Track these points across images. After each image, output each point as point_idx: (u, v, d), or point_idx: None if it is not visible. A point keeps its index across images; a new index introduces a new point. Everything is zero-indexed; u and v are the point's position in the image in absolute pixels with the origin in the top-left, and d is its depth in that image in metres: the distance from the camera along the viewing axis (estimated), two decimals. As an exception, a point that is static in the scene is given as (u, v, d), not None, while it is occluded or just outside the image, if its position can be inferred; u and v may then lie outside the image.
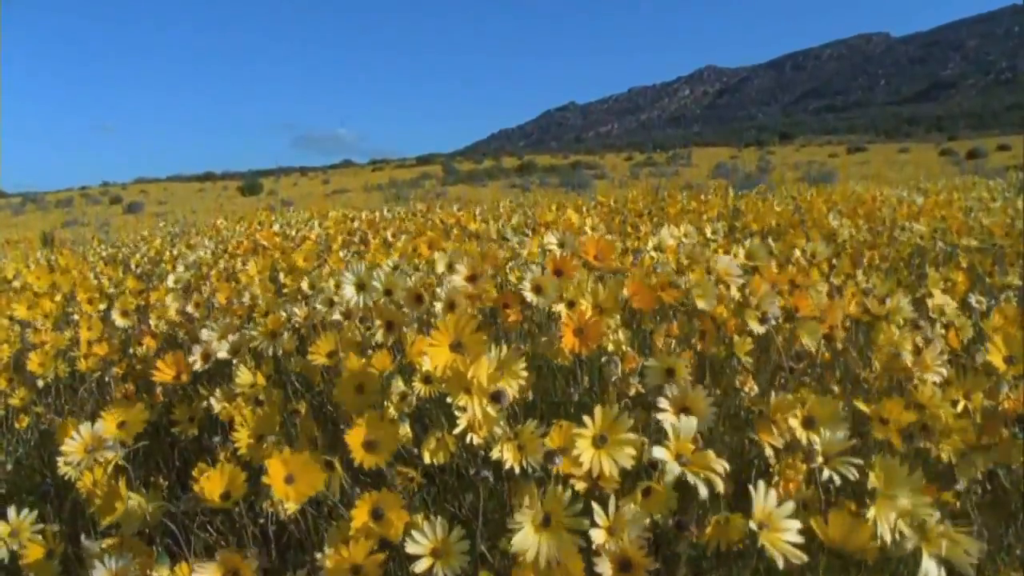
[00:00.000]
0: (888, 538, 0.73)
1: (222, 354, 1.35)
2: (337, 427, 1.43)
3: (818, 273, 2.27)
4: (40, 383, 1.76)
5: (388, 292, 1.27)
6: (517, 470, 0.86)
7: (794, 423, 0.86)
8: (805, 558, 0.73)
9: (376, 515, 0.78)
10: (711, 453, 0.77)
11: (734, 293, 1.26)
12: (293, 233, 3.86)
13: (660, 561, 0.87)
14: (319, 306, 1.38)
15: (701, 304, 1.18)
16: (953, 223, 2.99)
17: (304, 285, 1.89)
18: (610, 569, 0.75)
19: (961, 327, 1.68)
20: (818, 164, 34.66)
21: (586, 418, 0.85)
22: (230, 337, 1.38)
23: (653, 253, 2.25)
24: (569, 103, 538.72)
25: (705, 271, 1.34)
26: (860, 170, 29.68)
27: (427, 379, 1.11)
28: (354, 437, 0.88)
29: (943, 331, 1.52)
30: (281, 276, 2.64)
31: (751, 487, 0.71)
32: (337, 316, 1.39)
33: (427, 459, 0.90)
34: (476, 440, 0.89)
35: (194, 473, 1.17)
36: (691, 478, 0.74)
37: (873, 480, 0.74)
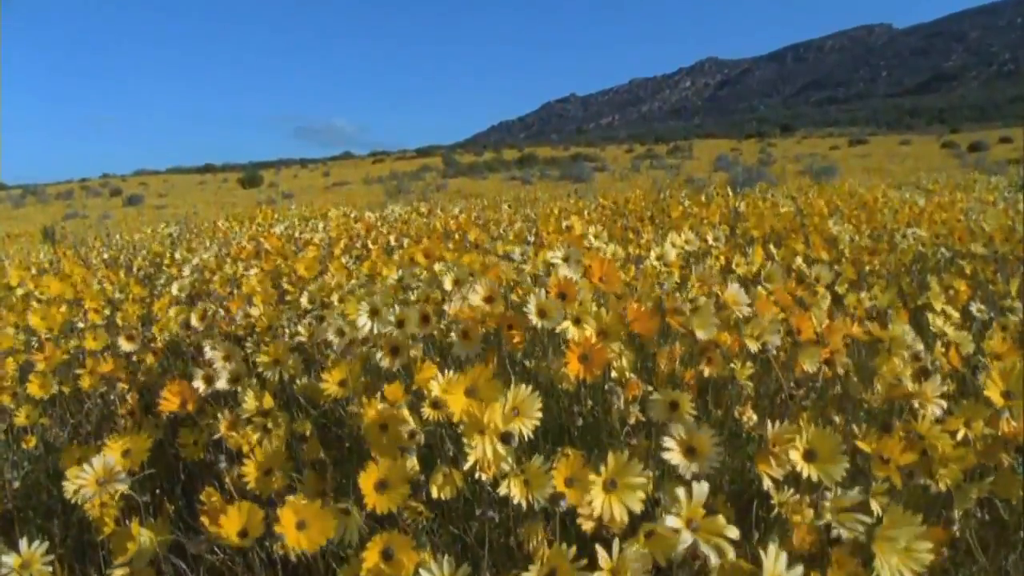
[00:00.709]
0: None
1: (223, 383, 1.35)
2: (342, 445, 1.44)
3: (821, 286, 2.29)
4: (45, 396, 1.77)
5: (400, 324, 1.27)
6: (524, 506, 0.87)
7: (795, 456, 0.87)
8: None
9: (387, 555, 0.79)
10: (721, 519, 0.78)
11: (740, 315, 1.27)
12: (295, 234, 3.86)
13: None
14: (333, 337, 1.38)
15: (700, 334, 1.19)
16: (955, 230, 2.99)
17: (304, 300, 1.89)
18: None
19: (961, 343, 1.69)
20: (819, 157, 34.62)
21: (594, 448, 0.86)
22: (232, 364, 1.38)
23: (655, 262, 2.26)
24: (570, 95, 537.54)
25: (709, 296, 1.34)
26: (861, 163, 29.64)
27: (435, 404, 1.12)
28: (366, 480, 0.89)
29: (944, 350, 1.53)
30: (284, 282, 2.65)
31: (761, 552, 0.72)
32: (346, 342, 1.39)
33: (435, 494, 0.91)
34: (484, 476, 0.90)
35: (201, 497, 1.18)
36: (703, 547, 0.75)
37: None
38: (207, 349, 1.61)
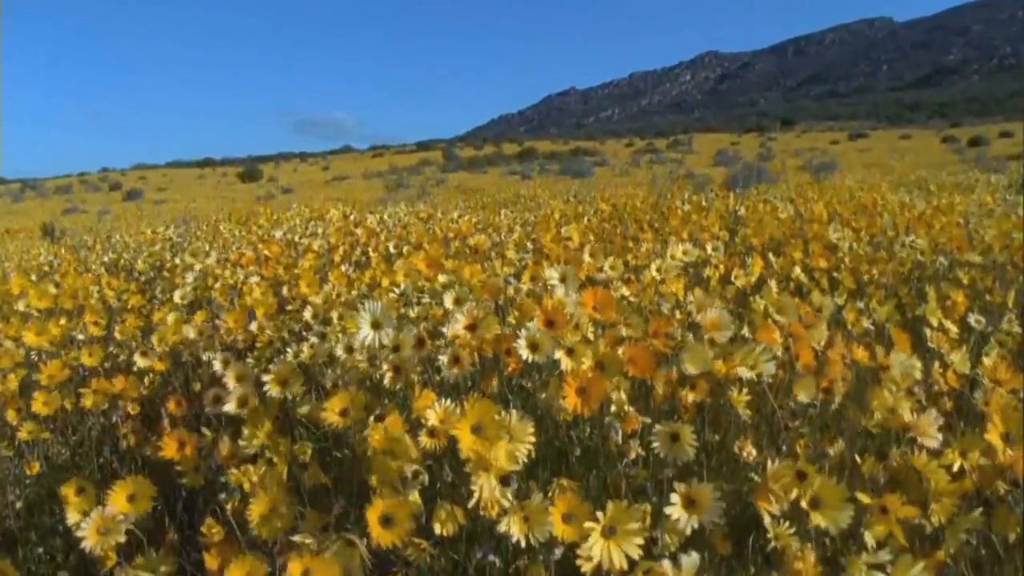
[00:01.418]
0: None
1: (231, 407, 1.36)
2: (343, 469, 1.45)
3: (819, 295, 2.29)
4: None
5: (396, 349, 1.28)
6: (524, 544, 0.88)
7: (803, 504, 0.88)
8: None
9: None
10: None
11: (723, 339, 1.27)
12: (295, 238, 3.87)
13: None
14: (339, 352, 1.39)
15: (691, 370, 1.20)
16: (953, 238, 3.00)
17: (307, 315, 1.90)
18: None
19: (959, 363, 1.70)
20: (819, 151, 34.56)
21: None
22: (239, 390, 1.39)
23: (655, 273, 2.27)
24: (570, 88, 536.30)
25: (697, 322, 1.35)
26: (861, 158, 29.60)
27: (432, 433, 1.13)
28: (373, 514, 0.90)
29: (941, 371, 1.54)
30: (284, 290, 2.65)
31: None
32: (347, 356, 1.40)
33: (438, 530, 0.93)
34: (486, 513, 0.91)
35: (202, 530, 1.19)
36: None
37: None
38: (216, 363, 1.61)
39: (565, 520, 0.92)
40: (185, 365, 2.35)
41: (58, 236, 13.55)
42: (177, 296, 2.53)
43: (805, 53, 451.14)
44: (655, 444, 1.06)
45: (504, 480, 0.89)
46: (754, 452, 1.13)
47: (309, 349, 1.49)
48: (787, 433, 1.19)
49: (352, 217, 5.08)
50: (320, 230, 3.90)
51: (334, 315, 1.80)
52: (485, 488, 0.88)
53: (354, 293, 2.29)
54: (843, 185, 10.86)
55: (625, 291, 1.93)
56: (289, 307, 2.46)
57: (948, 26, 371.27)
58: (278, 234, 3.86)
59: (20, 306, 2.54)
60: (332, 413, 1.19)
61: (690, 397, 1.22)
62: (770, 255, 2.79)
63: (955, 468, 1.06)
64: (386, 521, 0.91)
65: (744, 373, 1.17)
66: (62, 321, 2.18)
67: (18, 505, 1.59)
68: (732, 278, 2.36)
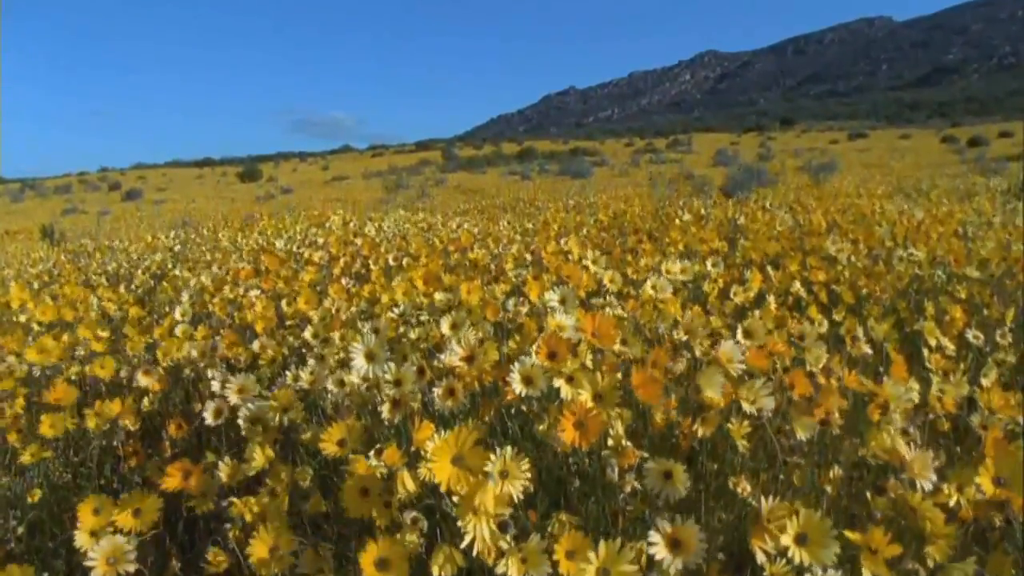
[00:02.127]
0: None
1: (243, 423, 1.37)
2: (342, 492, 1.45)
3: (815, 311, 2.30)
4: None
5: (398, 383, 1.29)
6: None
7: (786, 540, 0.89)
8: None
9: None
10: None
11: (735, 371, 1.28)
12: (295, 248, 3.88)
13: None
14: (331, 387, 1.40)
15: (709, 393, 1.21)
16: (952, 251, 3.01)
17: (308, 335, 1.91)
18: None
19: (957, 387, 1.71)
20: (819, 151, 34.57)
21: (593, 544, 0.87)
22: (244, 410, 1.40)
23: (651, 291, 2.27)
24: (569, 88, 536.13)
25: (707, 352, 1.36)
26: (861, 158, 29.61)
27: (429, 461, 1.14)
28: (367, 558, 0.91)
29: (939, 396, 1.55)
30: (284, 303, 2.66)
31: None
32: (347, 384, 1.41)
33: (436, 573, 0.93)
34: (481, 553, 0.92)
35: (208, 557, 1.20)
36: None
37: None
38: (216, 384, 1.62)
39: (568, 557, 0.93)
40: (186, 380, 2.36)
41: (58, 238, 13.55)
42: (178, 313, 2.53)
43: (804, 52, 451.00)
44: (646, 481, 1.07)
45: (502, 525, 0.90)
46: (749, 488, 1.13)
47: (309, 375, 1.50)
48: (786, 468, 1.20)
49: (352, 224, 5.09)
50: (320, 240, 3.91)
51: (335, 335, 1.81)
52: (478, 532, 0.88)
53: (353, 309, 2.29)
54: (842, 188, 10.89)
55: (621, 311, 1.94)
56: (288, 322, 2.47)
57: (947, 25, 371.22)
58: (279, 243, 3.87)
59: (22, 319, 2.55)
60: (330, 444, 1.20)
61: (700, 431, 1.22)
62: (769, 268, 2.80)
63: (951, 504, 1.07)
64: (381, 565, 0.91)
65: (745, 407, 1.18)
66: (64, 338, 2.18)
67: (20, 530, 1.60)
68: (731, 294, 2.37)
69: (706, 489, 1.38)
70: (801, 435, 1.19)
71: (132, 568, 1.01)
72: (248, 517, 1.13)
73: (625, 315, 1.94)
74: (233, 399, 1.47)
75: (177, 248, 4.55)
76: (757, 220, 4.08)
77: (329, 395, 1.50)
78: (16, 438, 1.73)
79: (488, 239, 3.52)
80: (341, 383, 1.38)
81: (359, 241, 3.66)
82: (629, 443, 1.12)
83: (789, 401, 1.24)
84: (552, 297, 1.74)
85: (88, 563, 1.02)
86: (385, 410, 1.29)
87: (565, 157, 41.51)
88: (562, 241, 3.22)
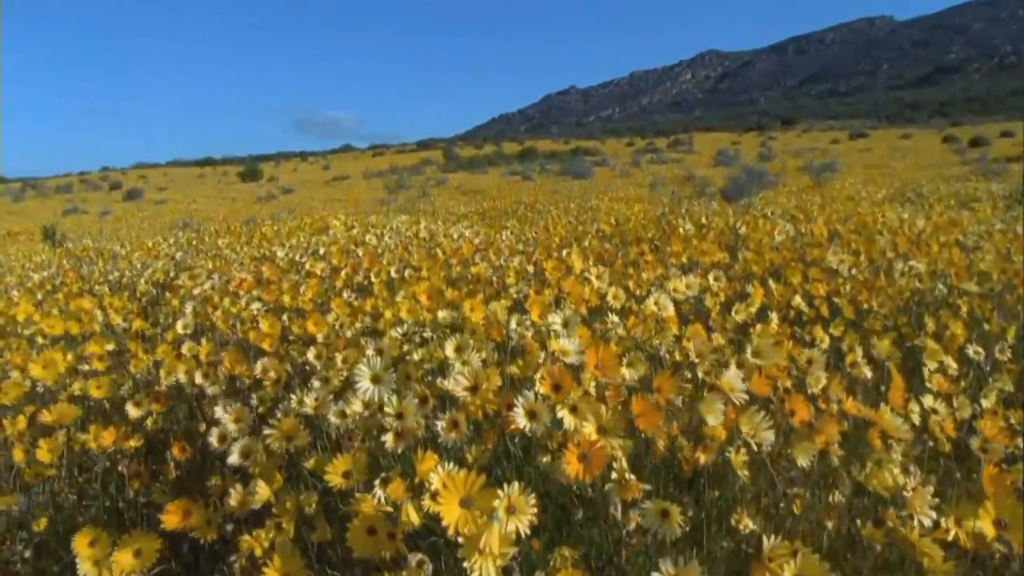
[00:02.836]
0: None
1: (235, 459, 1.38)
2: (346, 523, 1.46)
3: (819, 329, 2.31)
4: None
5: (400, 416, 1.30)
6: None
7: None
8: None
9: None
10: None
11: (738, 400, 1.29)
12: (297, 257, 3.89)
13: None
14: (333, 418, 1.41)
15: (711, 421, 1.22)
16: (952, 264, 3.01)
17: (311, 355, 1.91)
18: None
19: (960, 407, 1.72)
20: (820, 151, 34.59)
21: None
22: (243, 442, 1.41)
23: (654, 307, 2.28)
24: (570, 87, 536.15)
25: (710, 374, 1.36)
26: (862, 158, 29.62)
27: (435, 495, 1.15)
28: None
29: (939, 423, 1.56)
30: (286, 317, 2.67)
31: None
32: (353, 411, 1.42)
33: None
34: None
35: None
36: None
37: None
38: (219, 411, 1.63)
39: None
40: (189, 397, 2.37)
41: (59, 240, 13.58)
42: (180, 326, 2.54)
43: (806, 52, 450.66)
44: (643, 520, 1.08)
45: (507, 571, 0.91)
46: (751, 524, 1.14)
47: (313, 401, 1.50)
48: (786, 501, 1.21)
49: (354, 231, 5.10)
50: (322, 249, 3.92)
51: (338, 356, 1.81)
52: (484, 573, 0.89)
53: (357, 326, 2.30)
54: (843, 191, 10.91)
55: (623, 331, 1.94)
56: (291, 337, 2.48)
57: (949, 25, 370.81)
58: (280, 253, 3.88)
59: (26, 332, 2.56)
60: (335, 475, 1.21)
61: (700, 459, 1.23)
62: (770, 281, 2.80)
63: (950, 536, 1.08)
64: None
65: (747, 438, 1.19)
66: (68, 356, 2.19)
67: (27, 554, 1.61)
68: (732, 311, 2.38)
69: (708, 516, 1.40)
70: (802, 462, 1.20)
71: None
72: (258, 552, 1.14)
73: (627, 335, 1.95)
74: (231, 427, 1.48)
75: (179, 255, 4.56)
76: (758, 229, 4.08)
77: (333, 422, 1.51)
78: (22, 457, 1.74)
79: (489, 250, 3.54)
80: (344, 415, 1.39)
81: (361, 252, 3.67)
82: (632, 476, 1.13)
83: (790, 430, 1.25)
84: (555, 320, 1.75)
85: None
86: (389, 440, 1.30)
87: (566, 157, 41.52)
88: (564, 252, 3.23)
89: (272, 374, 1.87)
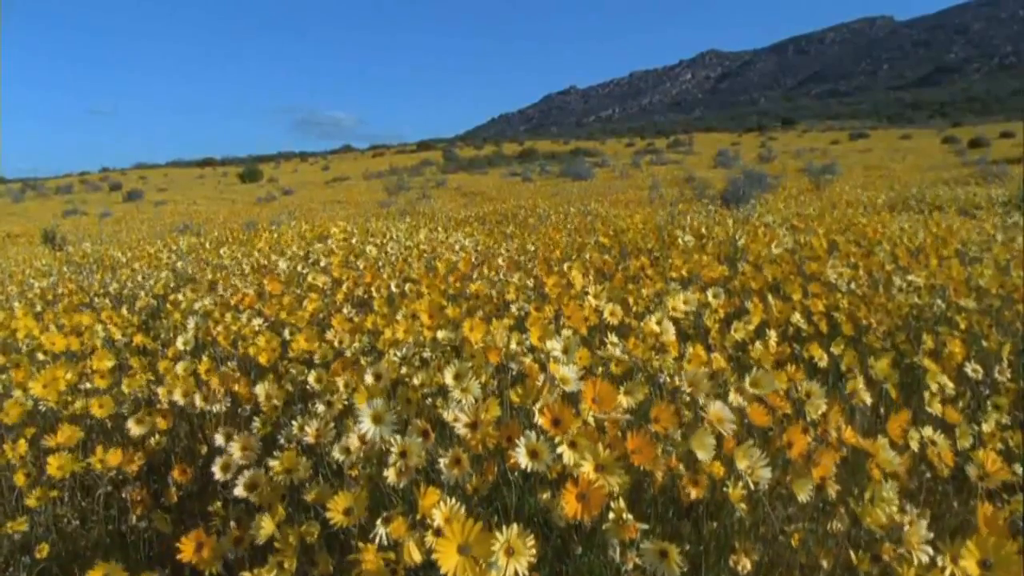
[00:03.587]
0: None
1: (240, 491, 1.39)
2: (347, 551, 1.47)
3: (818, 348, 2.32)
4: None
5: (403, 455, 1.31)
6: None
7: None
8: None
9: None
10: None
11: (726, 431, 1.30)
12: (298, 268, 3.89)
13: None
14: (337, 455, 1.42)
15: (701, 455, 1.23)
16: (951, 279, 3.02)
17: (312, 380, 1.92)
18: None
19: (961, 435, 1.73)
20: (820, 152, 34.62)
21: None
22: (247, 472, 1.42)
23: (655, 327, 2.28)
24: (570, 87, 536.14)
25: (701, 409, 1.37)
26: (862, 159, 29.64)
27: (439, 532, 1.16)
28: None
29: (937, 450, 1.57)
30: (287, 332, 2.68)
31: None
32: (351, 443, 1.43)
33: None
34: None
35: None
36: None
37: None
38: (219, 438, 1.64)
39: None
40: (190, 415, 2.38)
41: (59, 242, 13.58)
42: (180, 342, 2.55)
43: (806, 52, 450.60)
44: (642, 559, 1.09)
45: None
46: (749, 566, 1.15)
47: (314, 431, 1.51)
48: (784, 536, 1.21)
49: (354, 240, 5.11)
50: (322, 260, 3.93)
51: (339, 381, 1.82)
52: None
53: (356, 346, 2.31)
54: (842, 195, 10.91)
55: (619, 353, 1.95)
56: (291, 353, 2.48)
57: (949, 25, 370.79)
58: (281, 264, 3.88)
59: (25, 348, 2.57)
60: (337, 513, 1.22)
61: (692, 494, 1.24)
62: (769, 296, 2.81)
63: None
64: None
65: (744, 474, 1.20)
66: (68, 375, 2.19)
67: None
68: (732, 329, 2.38)
69: (706, 548, 1.40)
70: (801, 498, 1.21)
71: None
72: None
73: (627, 357, 1.96)
74: (237, 456, 1.49)
75: (179, 265, 4.56)
76: (758, 240, 4.09)
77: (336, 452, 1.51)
78: (23, 481, 1.75)
79: (488, 266, 3.54)
80: (347, 451, 1.40)
81: (361, 264, 3.68)
82: (630, 516, 1.14)
83: (787, 464, 1.26)
84: (555, 346, 1.76)
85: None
86: (391, 475, 1.31)
87: (566, 158, 41.53)
88: (564, 266, 3.24)
89: (274, 401, 1.88)
